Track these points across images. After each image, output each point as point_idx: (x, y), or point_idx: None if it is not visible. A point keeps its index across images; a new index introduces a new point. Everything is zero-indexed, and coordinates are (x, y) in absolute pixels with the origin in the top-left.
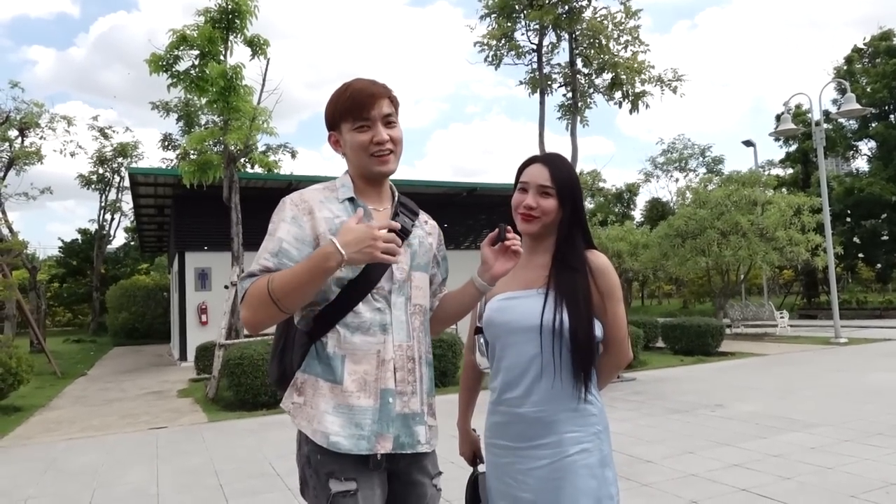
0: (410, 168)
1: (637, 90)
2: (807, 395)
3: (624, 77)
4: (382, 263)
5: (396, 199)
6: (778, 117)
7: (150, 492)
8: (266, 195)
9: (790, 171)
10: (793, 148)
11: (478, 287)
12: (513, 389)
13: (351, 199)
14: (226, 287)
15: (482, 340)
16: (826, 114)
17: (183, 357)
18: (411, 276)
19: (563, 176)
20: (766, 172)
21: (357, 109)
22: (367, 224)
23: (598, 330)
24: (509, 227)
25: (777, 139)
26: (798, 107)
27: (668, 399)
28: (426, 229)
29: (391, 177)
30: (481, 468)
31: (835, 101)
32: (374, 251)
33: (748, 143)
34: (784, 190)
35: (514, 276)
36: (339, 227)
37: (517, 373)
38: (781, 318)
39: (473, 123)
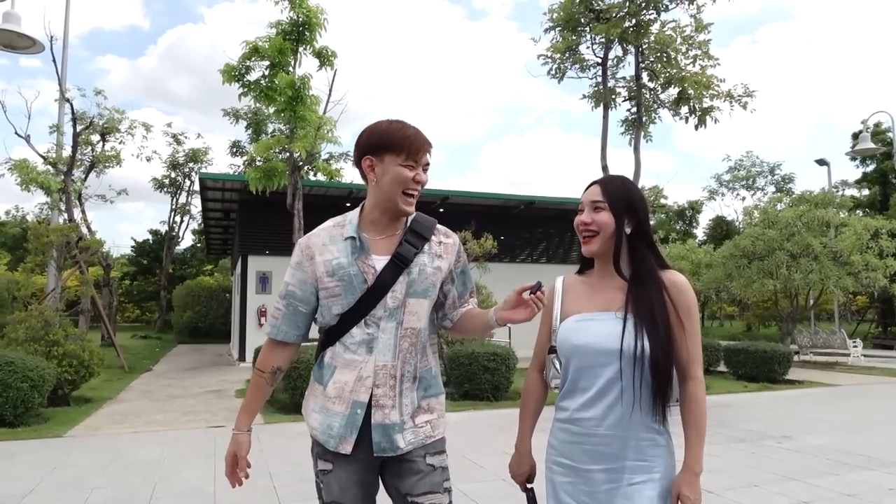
0: (461, 178)
1: (705, 105)
2: (883, 431)
3: (692, 92)
4: (375, 295)
5: (407, 225)
6: (855, 135)
7: (207, 490)
8: (327, 202)
9: (866, 192)
10: (870, 168)
11: (488, 320)
12: (588, 410)
13: (352, 238)
14: None
15: (556, 361)
16: None
17: (241, 357)
18: (406, 302)
19: (614, 190)
20: (841, 193)
21: (413, 150)
22: (233, 455)
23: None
24: (545, 289)
25: (853, 158)
26: (877, 125)
27: (730, 427)
28: (437, 251)
29: (454, 186)
30: (529, 484)
31: None
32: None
33: (821, 162)
34: (860, 212)
35: (590, 296)
36: (335, 269)
37: (594, 395)
38: (855, 346)
39: (526, 136)
